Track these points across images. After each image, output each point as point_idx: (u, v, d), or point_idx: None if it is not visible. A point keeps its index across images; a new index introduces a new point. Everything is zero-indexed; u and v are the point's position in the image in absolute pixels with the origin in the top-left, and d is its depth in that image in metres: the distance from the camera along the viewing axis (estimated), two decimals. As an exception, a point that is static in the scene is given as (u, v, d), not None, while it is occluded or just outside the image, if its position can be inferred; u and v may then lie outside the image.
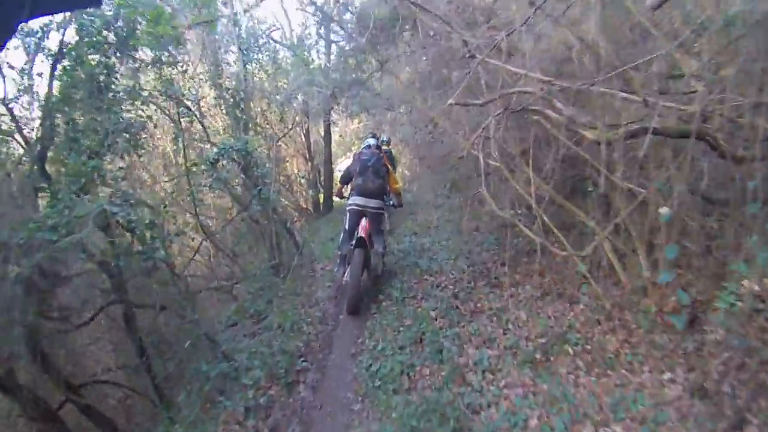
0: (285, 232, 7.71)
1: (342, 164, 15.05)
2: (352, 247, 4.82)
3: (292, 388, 3.87)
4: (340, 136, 16.90)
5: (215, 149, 6.48)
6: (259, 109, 11.00)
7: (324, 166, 13.46)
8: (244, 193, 7.93)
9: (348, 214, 5.06)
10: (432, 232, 7.33)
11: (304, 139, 13.63)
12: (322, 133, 13.57)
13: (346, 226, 5.07)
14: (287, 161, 13.54)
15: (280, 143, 12.11)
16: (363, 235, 4.81)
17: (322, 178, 13.70)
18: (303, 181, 13.84)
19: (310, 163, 13.75)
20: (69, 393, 4.40)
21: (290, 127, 12.19)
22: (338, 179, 7.06)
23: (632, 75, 2.77)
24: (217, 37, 8.93)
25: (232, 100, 8.44)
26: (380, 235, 5.14)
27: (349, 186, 5.33)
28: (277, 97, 10.61)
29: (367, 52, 7.28)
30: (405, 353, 3.95)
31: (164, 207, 5.69)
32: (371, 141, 5.50)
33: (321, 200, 13.63)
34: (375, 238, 5.04)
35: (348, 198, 5.31)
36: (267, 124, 11.26)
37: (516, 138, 3.91)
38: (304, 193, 14.06)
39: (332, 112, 12.01)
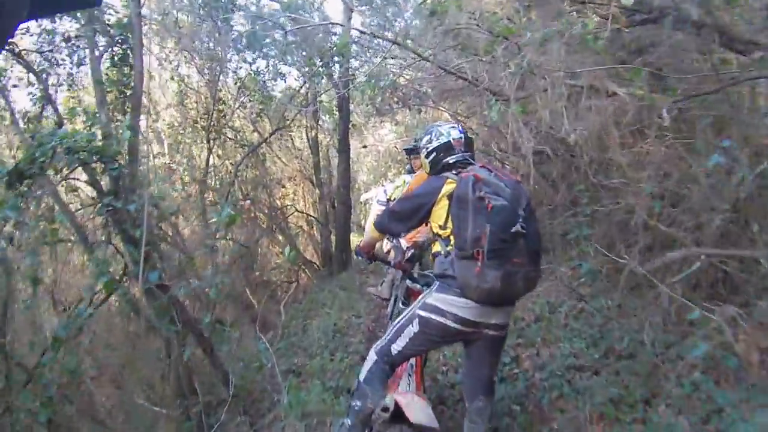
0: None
1: (369, 194, 15.48)
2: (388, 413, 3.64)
3: None
4: (364, 146, 17.36)
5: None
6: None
7: (338, 193, 14.10)
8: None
9: (417, 327, 3.66)
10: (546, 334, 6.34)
11: (310, 153, 14.44)
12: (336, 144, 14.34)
13: (395, 346, 3.76)
14: (283, 185, 14.51)
15: (264, 152, 12.96)
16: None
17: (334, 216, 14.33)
18: (306, 215, 14.65)
19: (318, 190, 14.43)
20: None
21: (278, 127, 12.84)
22: (370, 220, 6.33)
23: None
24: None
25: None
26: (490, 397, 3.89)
27: (413, 246, 5.27)
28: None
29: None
30: None
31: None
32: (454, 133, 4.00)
33: (333, 246, 14.20)
34: (481, 402, 3.82)
35: (415, 282, 4.70)
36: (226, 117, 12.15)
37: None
38: (310, 234, 14.89)
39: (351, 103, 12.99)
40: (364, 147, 17.30)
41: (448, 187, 3.56)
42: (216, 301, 6.47)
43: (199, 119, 11.55)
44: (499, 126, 7.18)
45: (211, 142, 11.44)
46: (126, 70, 7.80)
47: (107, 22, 7.57)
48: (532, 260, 3.39)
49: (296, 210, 14.66)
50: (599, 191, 6.11)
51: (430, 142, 3.89)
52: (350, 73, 11.05)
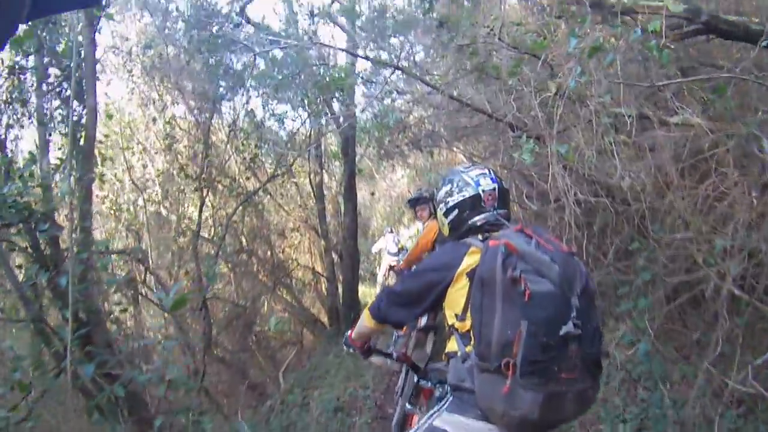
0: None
1: (379, 243, 14.44)
2: None
3: None
4: (372, 193, 16.54)
5: None
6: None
7: (344, 245, 13.14)
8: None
9: None
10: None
11: (314, 202, 13.60)
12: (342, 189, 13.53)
13: None
14: (285, 237, 13.81)
15: (263, 201, 12.21)
16: None
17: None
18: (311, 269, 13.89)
19: (324, 241, 13.51)
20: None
21: (277, 172, 12.05)
22: (380, 274, 5.49)
23: None
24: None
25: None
26: None
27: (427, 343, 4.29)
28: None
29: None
30: None
31: None
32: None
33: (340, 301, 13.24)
34: None
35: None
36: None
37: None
38: (316, 289, 14.04)
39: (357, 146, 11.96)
40: (372, 194, 16.43)
41: (471, 260, 2.64)
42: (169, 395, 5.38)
43: (189, 165, 10.67)
44: (527, 169, 5.98)
45: (203, 190, 10.48)
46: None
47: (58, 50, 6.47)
48: (590, 373, 2.44)
49: (298, 264, 13.85)
50: (657, 247, 4.86)
51: (450, 194, 2.94)
52: (353, 111, 10.11)
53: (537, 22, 5.20)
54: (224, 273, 11.90)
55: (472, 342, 2.52)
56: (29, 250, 5.44)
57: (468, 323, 2.56)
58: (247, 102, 10.98)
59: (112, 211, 10.84)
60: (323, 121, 10.67)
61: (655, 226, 4.76)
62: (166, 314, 9.52)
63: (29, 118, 6.40)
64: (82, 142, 6.38)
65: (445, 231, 3.03)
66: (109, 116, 8.84)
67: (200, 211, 10.57)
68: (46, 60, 6.39)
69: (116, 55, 9.66)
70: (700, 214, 4.40)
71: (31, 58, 6.30)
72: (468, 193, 2.88)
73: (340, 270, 13.27)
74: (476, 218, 2.85)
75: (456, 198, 2.91)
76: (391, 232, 14.14)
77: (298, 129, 11.20)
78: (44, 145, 6.04)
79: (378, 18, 8.22)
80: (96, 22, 6.29)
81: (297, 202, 14.10)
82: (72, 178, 6.21)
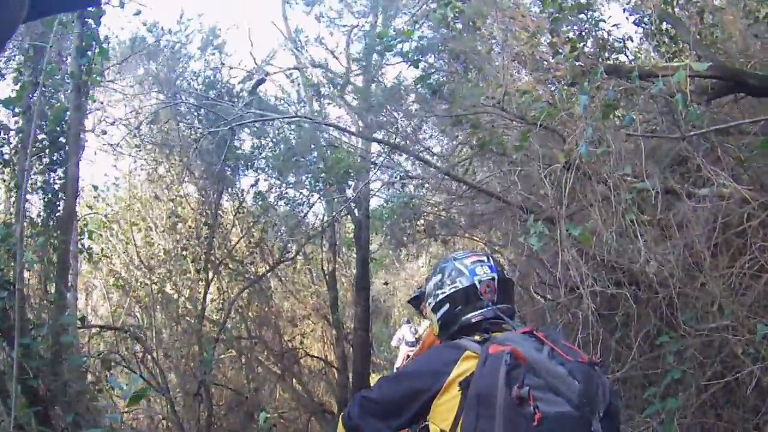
0: None
1: (396, 335, 13.96)
2: None
3: None
4: (385, 283, 16.10)
5: None
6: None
7: (355, 335, 12.63)
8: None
9: None
10: None
11: (327, 290, 13.06)
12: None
13: None
14: (295, 324, 13.17)
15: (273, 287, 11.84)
16: None
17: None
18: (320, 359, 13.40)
19: (335, 331, 12.96)
20: None
21: (284, 258, 11.61)
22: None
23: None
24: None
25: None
26: None
27: None
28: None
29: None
30: None
31: None
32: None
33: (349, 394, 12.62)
34: None
35: None
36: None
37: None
38: (328, 378, 13.42)
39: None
40: (386, 284, 15.96)
41: (464, 366, 2.15)
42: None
43: (194, 245, 10.30)
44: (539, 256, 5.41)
45: (209, 273, 10.02)
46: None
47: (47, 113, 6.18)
48: None
49: (307, 354, 13.20)
50: (689, 338, 4.18)
51: (441, 286, 2.47)
52: (365, 196, 9.75)
53: (546, 91, 4.73)
54: (227, 358, 11.36)
55: None
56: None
57: None
58: (256, 183, 10.76)
59: (117, 287, 10.48)
60: (335, 206, 10.26)
61: (685, 315, 4.12)
62: (163, 398, 9.02)
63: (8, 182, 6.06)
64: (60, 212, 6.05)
65: (435, 330, 2.54)
66: (95, 187, 8.58)
67: (204, 294, 10.12)
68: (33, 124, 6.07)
69: (116, 126, 9.50)
70: (737, 296, 3.86)
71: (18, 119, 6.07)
72: (462, 284, 2.39)
73: (351, 360, 12.71)
74: (471, 314, 2.36)
75: (447, 290, 2.43)
76: (408, 322, 13.65)
77: (306, 213, 10.85)
78: (20, 211, 5.61)
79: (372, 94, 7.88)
80: (84, 88, 5.99)
81: (310, 289, 13.67)
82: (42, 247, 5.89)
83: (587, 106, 3.50)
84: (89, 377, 5.92)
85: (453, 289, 2.39)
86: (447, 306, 2.41)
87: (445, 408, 2.14)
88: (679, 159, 4.35)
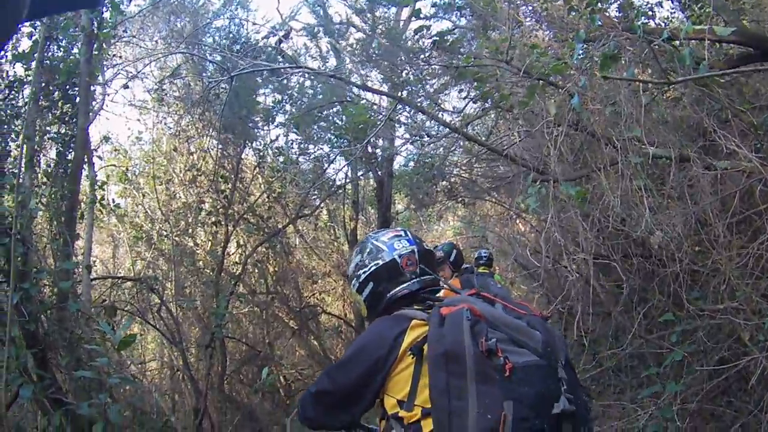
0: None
1: None
2: None
3: None
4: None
5: None
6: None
7: None
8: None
9: None
10: None
11: (348, 244, 12.91)
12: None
13: None
14: (313, 281, 13.02)
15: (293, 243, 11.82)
16: None
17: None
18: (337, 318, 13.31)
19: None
20: None
21: (303, 212, 11.41)
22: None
23: None
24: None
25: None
26: None
27: None
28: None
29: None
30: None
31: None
32: None
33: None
34: None
35: None
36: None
37: None
38: (346, 336, 13.18)
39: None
40: None
41: (414, 334, 2.14)
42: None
43: (211, 199, 10.22)
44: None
45: (228, 226, 9.95)
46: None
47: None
48: None
49: (325, 312, 13.04)
50: (696, 320, 3.91)
51: (361, 266, 2.44)
52: (381, 153, 9.49)
53: (559, 49, 4.39)
54: (244, 313, 11.35)
55: None
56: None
57: (417, 412, 2.04)
58: (277, 138, 10.60)
59: (138, 239, 10.53)
60: (355, 163, 10.04)
61: (693, 293, 3.83)
62: (173, 347, 9.05)
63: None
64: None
65: (364, 312, 2.51)
66: (106, 139, 8.52)
67: (224, 247, 10.02)
68: (44, 77, 6.06)
69: (140, 81, 9.39)
70: (751, 279, 3.54)
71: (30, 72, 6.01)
72: (381, 260, 2.36)
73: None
74: (396, 289, 2.32)
75: (369, 268, 2.39)
76: None
77: (326, 168, 10.61)
78: (30, 161, 5.58)
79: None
80: (93, 40, 5.95)
81: (332, 246, 13.54)
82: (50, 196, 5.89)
83: (584, 58, 3.19)
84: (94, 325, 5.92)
85: (374, 267, 2.35)
86: (371, 285, 2.35)
87: (401, 378, 2.10)
88: (699, 131, 4.03)
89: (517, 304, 2.15)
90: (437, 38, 4.64)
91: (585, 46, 3.98)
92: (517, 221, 9.09)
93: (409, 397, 2.08)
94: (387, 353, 2.13)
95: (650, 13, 5.31)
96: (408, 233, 2.45)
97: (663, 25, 5.34)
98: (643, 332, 4.43)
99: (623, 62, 3.59)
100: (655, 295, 4.27)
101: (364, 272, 2.38)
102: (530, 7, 5.09)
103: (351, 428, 2.51)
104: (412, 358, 2.08)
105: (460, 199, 9.19)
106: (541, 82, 3.73)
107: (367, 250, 2.43)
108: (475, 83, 4.51)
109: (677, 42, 3.17)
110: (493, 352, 1.86)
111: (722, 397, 4.04)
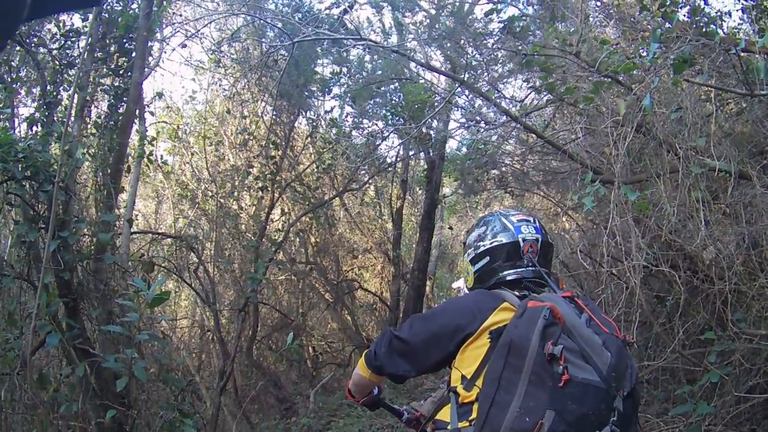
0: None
1: (459, 282, 13.58)
2: None
3: None
4: (450, 227, 15.81)
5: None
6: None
7: (412, 276, 12.36)
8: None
9: None
10: None
11: (393, 223, 12.95)
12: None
13: None
14: (355, 256, 13.10)
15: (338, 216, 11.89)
16: None
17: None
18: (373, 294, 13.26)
19: (394, 268, 12.75)
20: None
21: (351, 186, 11.56)
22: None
23: None
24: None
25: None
26: None
27: None
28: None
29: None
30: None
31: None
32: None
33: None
34: None
35: None
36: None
37: None
38: (380, 314, 13.32)
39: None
40: (450, 229, 15.73)
41: (500, 317, 2.13)
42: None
43: (260, 164, 10.27)
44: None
45: (274, 193, 10.03)
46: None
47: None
48: None
49: (362, 287, 13.12)
50: (735, 342, 3.81)
51: (482, 238, 2.44)
52: (435, 135, 9.42)
53: (629, 47, 4.28)
54: (282, 280, 11.49)
55: (471, 418, 2.03)
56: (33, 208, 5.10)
57: (474, 393, 2.05)
58: (332, 110, 10.65)
59: (183, 197, 10.69)
60: (409, 142, 10.02)
61: (737, 315, 3.73)
62: (207, 307, 9.19)
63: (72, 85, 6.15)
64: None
65: (470, 282, 2.48)
66: (159, 95, 8.57)
67: (268, 213, 10.15)
68: (101, 29, 6.14)
69: (198, 42, 9.50)
70: None
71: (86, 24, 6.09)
72: (505, 239, 2.35)
73: (404, 299, 12.48)
74: (509, 271, 2.31)
75: (489, 243, 2.38)
76: None
77: (378, 144, 10.58)
78: (80, 112, 5.70)
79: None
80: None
81: (376, 223, 13.56)
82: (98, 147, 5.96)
83: (658, 59, 3.11)
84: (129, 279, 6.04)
85: (495, 243, 2.34)
86: (487, 259, 2.36)
87: (472, 355, 2.11)
88: (760, 148, 3.90)
89: (603, 320, 2.08)
90: (507, 23, 4.58)
91: (659, 47, 3.89)
92: (563, 218, 8.99)
93: (473, 375, 2.08)
94: (467, 323, 2.14)
95: (720, 21, 5.17)
96: (537, 221, 2.42)
97: (735, 34, 5.19)
98: (680, 347, 4.35)
99: (697, 68, 3.49)
100: (698, 312, 4.18)
101: (483, 245, 2.38)
102: (600, 2, 5.00)
103: (401, 381, 2.60)
104: (489, 340, 2.08)
105: (510, 189, 9.08)
106: (609, 79, 3.66)
107: (493, 224, 2.41)
108: (541, 73, 4.44)
109: (756, 54, 3.06)
110: (556, 359, 1.84)
111: (746, 424, 3.94)
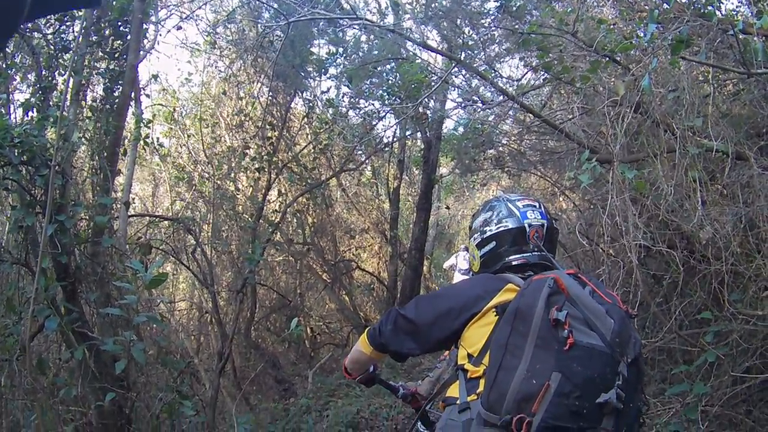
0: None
1: (451, 261, 13.58)
2: None
3: None
4: (447, 207, 15.87)
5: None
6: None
7: (409, 255, 12.49)
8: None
9: None
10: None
11: (390, 203, 12.93)
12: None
13: None
14: (351, 236, 13.07)
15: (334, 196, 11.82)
16: None
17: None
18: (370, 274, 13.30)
19: (392, 248, 12.82)
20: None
21: (348, 166, 11.57)
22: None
23: None
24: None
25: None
26: None
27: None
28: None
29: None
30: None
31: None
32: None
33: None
34: None
35: None
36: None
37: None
38: (378, 294, 13.39)
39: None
40: (447, 208, 15.73)
41: (504, 297, 2.18)
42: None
43: (256, 144, 10.21)
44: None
45: (271, 173, 10.03)
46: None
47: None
48: None
49: (359, 267, 13.19)
50: (732, 322, 3.82)
51: (488, 223, 2.47)
52: (432, 114, 9.39)
53: (626, 27, 4.26)
54: (279, 261, 11.51)
55: (478, 391, 2.05)
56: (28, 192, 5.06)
57: (481, 369, 2.08)
58: (328, 90, 10.62)
59: (180, 179, 10.66)
60: (406, 122, 10.00)
61: (733, 295, 3.75)
62: (205, 289, 9.20)
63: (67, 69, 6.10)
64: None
65: (475, 266, 2.53)
66: (155, 77, 8.58)
67: (265, 194, 10.14)
68: (96, 12, 6.08)
69: (193, 23, 9.49)
70: None
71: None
72: (511, 224, 2.38)
73: (401, 279, 12.62)
74: (514, 256, 2.36)
75: (495, 228, 2.41)
76: (466, 249, 13.42)
77: (375, 124, 10.57)
78: (76, 96, 5.67)
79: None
80: None
81: (373, 203, 13.62)
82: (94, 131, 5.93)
83: (656, 39, 3.10)
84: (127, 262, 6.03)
85: (501, 228, 2.37)
86: (493, 244, 2.39)
87: (478, 333, 2.15)
88: (757, 129, 3.90)
89: (606, 293, 2.11)
90: (504, 1, 4.56)
91: (657, 27, 3.87)
92: (560, 198, 9.02)
93: (480, 352, 2.12)
94: (473, 304, 2.18)
95: (718, 3, 5.15)
96: (542, 206, 2.44)
97: (733, 16, 5.17)
98: (677, 327, 4.37)
99: (695, 49, 3.48)
100: (695, 291, 4.20)
101: (490, 230, 2.40)
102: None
103: (403, 359, 2.62)
104: (495, 315, 2.11)
105: (507, 169, 9.09)
106: (606, 59, 3.65)
107: (499, 209, 2.43)
108: (538, 52, 4.43)
109: (753, 36, 3.05)
110: (561, 323, 1.88)
111: (743, 405, 3.97)
